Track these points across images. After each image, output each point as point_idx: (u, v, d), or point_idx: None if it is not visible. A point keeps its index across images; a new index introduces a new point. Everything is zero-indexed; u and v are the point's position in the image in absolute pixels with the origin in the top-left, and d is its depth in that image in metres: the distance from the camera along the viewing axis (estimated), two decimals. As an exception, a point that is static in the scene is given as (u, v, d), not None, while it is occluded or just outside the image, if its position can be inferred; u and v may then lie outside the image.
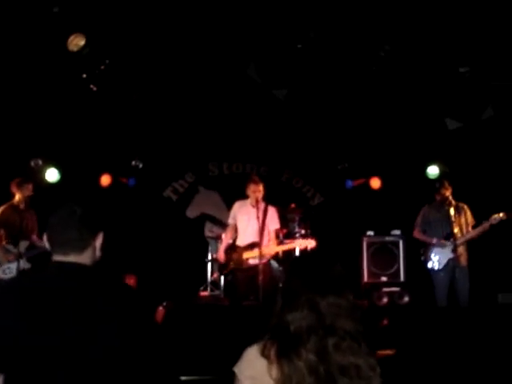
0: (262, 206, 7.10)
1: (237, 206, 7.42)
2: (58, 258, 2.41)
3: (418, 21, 6.94)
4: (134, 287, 6.67)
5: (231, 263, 7.17)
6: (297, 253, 8.66)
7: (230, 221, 7.48)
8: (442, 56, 7.51)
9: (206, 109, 9.58)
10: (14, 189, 7.50)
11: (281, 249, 7.84)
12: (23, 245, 7.30)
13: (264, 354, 2.26)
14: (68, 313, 2.22)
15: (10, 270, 7.10)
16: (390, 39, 7.37)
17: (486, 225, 7.23)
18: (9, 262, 7.14)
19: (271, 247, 7.26)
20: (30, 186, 7.55)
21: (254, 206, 7.07)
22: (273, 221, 7.24)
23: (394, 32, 7.21)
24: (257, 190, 7.07)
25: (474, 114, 8.01)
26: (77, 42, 6.78)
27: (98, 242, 2.47)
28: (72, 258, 2.39)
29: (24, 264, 7.23)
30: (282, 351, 2.24)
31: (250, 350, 2.33)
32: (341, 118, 9.51)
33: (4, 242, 7.23)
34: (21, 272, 7.10)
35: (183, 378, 5.76)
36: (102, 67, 6.99)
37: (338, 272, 2.41)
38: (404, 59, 7.62)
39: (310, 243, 7.23)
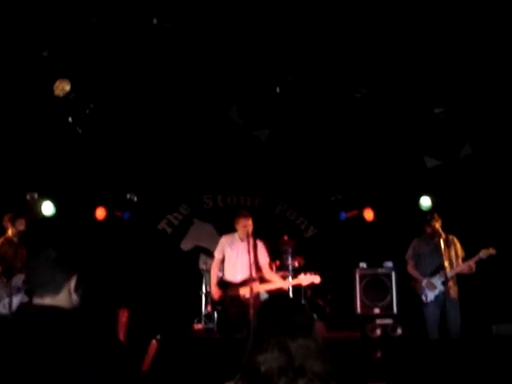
0: (250, 240, 7.08)
1: (224, 240, 7.42)
2: (35, 300, 2.49)
3: (392, 63, 7.10)
4: (109, 334, 6.65)
5: (226, 300, 7.11)
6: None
7: (217, 255, 7.43)
8: (417, 97, 7.67)
9: (199, 142, 9.68)
10: (6, 223, 7.57)
11: (287, 285, 7.84)
12: (18, 278, 7.30)
13: (235, 393, 2.32)
14: (38, 357, 2.29)
15: (9, 304, 7.09)
16: (366, 82, 7.53)
17: (474, 259, 7.26)
18: (7, 296, 7.14)
19: (277, 282, 7.26)
20: (23, 221, 7.62)
21: (242, 240, 7.08)
22: (263, 255, 7.26)
23: (370, 75, 7.36)
24: (247, 225, 7.07)
25: (451, 152, 8.11)
26: (62, 87, 6.91)
27: (72, 283, 2.52)
28: (48, 301, 2.47)
29: (23, 298, 7.24)
30: (253, 391, 2.29)
31: None
32: (333, 151, 9.63)
33: (0, 278, 7.25)
34: (20, 307, 7.12)
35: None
36: (87, 111, 7.08)
37: (307, 314, 2.47)
38: (380, 101, 7.79)
39: (316, 278, 7.22)
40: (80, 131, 7.46)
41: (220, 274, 7.54)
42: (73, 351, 2.31)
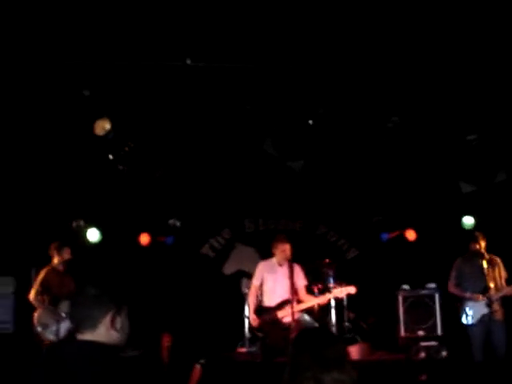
0: (287, 264, 7.14)
1: (261, 266, 7.47)
2: (77, 335, 2.63)
3: (423, 93, 7.15)
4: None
5: (265, 325, 7.14)
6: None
7: (255, 282, 7.47)
8: (450, 125, 7.69)
9: (239, 167, 9.83)
10: (52, 252, 7.77)
11: (321, 300, 7.81)
12: (65, 305, 7.44)
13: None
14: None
15: (57, 331, 7.28)
16: (398, 111, 7.58)
17: None
18: (56, 323, 7.32)
19: (311, 300, 7.27)
20: (69, 250, 7.81)
21: (280, 265, 7.12)
22: (300, 278, 7.29)
23: (402, 104, 7.42)
24: (286, 249, 7.12)
25: (486, 178, 8.05)
26: (103, 126, 7.15)
27: (108, 319, 2.61)
28: (88, 336, 2.58)
29: (68, 325, 7.37)
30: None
31: None
32: (373, 172, 9.64)
33: (47, 304, 7.44)
34: (70, 333, 7.30)
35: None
36: (127, 149, 7.31)
37: (342, 348, 2.52)
38: (412, 130, 7.85)
39: (351, 289, 7.19)
40: (121, 168, 7.67)
41: (256, 302, 7.55)
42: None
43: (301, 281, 7.28)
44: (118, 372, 2.48)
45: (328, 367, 2.41)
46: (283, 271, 7.01)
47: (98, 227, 9.37)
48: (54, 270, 7.70)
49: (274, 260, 7.29)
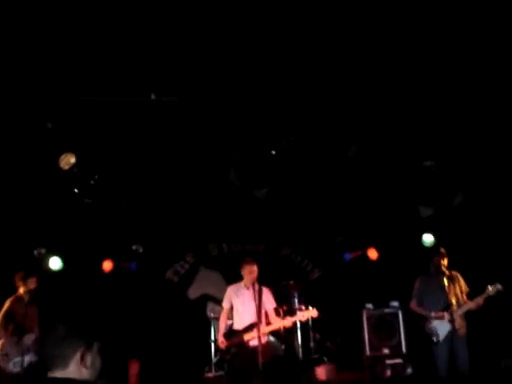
0: (256, 286, 7.17)
1: (230, 289, 7.48)
2: (48, 373, 2.62)
3: (380, 122, 7.38)
4: None
5: (233, 348, 7.16)
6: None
7: (224, 305, 7.47)
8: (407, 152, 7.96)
9: (201, 191, 9.85)
10: (18, 282, 7.61)
11: (286, 323, 7.86)
12: (29, 338, 7.34)
13: None
14: None
15: (20, 363, 7.13)
16: (356, 140, 7.82)
17: (482, 296, 7.30)
18: (18, 354, 7.16)
19: (277, 323, 7.31)
20: (35, 279, 7.67)
21: (248, 288, 7.15)
22: (269, 300, 7.32)
23: (360, 133, 7.66)
24: (252, 271, 7.16)
25: (444, 202, 8.29)
26: (68, 160, 7.14)
27: (78, 356, 2.61)
28: (58, 374, 2.59)
29: (31, 357, 7.25)
30: None
31: None
32: (334, 194, 9.79)
33: (10, 336, 7.26)
34: (28, 366, 7.17)
35: None
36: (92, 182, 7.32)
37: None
38: (371, 157, 8.10)
39: (313, 312, 7.24)
40: (88, 201, 7.66)
41: (226, 325, 7.58)
42: None
43: (270, 304, 7.30)
44: None
45: None
46: (250, 294, 7.04)
47: (60, 255, 9.27)
48: (19, 299, 7.55)
49: (241, 283, 7.32)
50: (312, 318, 7.29)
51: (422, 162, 7.97)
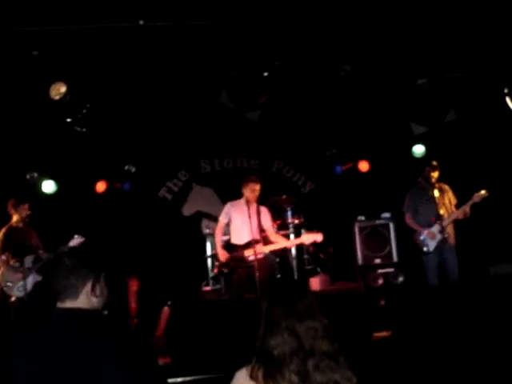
0: (254, 205, 7.28)
1: (229, 205, 7.58)
2: (58, 304, 2.70)
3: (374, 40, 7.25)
4: (132, 328, 6.88)
5: (232, 262, 7.34)
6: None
7: (222, 219, 7.58)
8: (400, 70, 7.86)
9: (192, 107, 9.75)
10: (10, 210, 7.64)
11: (289, 245, 8.05)
12: (28, 260, 7.45)
13: (252, 376, 2.56)
14: (68, 359, 2.50)
15: (23, 287, 7.28)
16: (349, 58, 7.70)
17: (469, 203, 7.47)
18: (20, 280, 7.30)
19: (281, 242, 7.47)
20: (27, 206, 7.68)
21: (248, 205, 7.24)
22: (267, 219, 7.46)
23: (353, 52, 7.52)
24: (255, 189, 7.24)
25: (437, 119, 8.25)
26: (58, 89, 6.98)
27: (88, 287, 2.70)
28: (68, 304, 2.67)
29: (35, 278, 7.43)
30: (268, 374, 2.53)
31: (240, 373, 2.63)
32: (325, 106, 9.71)
33: (12, 262, 7.39)
34: (35, 286, 7.36)
35: (191, 378, 6.06)
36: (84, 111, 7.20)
37: (312, 299, 2.68)
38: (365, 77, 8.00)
39: (318, 237, 7.38)
40: (79, 129, 7.57)
41: (224, 238, 7.72)
42: (97, 349, 2.50)
43: (267, 222, 7.45)
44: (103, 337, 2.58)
45: (300, 317, 2.58)
46: (250, 211, 7.13)
47: (53, 178, 9.29)
48: (12, 227, 7.60)
49: (242, 201, 7.39)
50: (315, 242, 7.43)
51: (413, 79, 7.89)
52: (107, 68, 7.30)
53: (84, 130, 7.59)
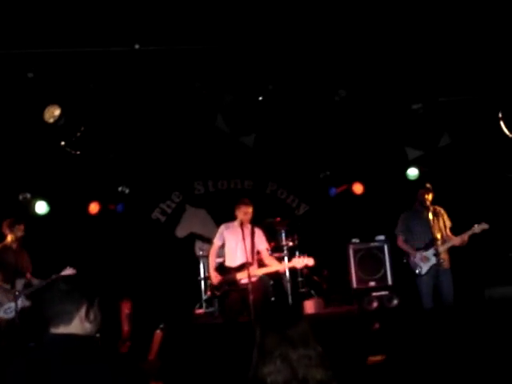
0: (248, 227, 7.28)
1: (223, 227, 7.56)
2: (51, 329, 2.67)
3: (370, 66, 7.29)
4: (122, 353, 6.82)
5: (225, 285, 7.29)
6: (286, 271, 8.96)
7: (216, 241, 7.57)
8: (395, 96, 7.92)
9: (186, 129, 9.74)
10: (5, 230, 7.56)
11: (281, 268, 8.01)
12: (20, 283, 7.36)
13: (246, 404, 2.51)
14: (63, 380, 2.47)
15: (10, 309, 7.17)
16: (345, 84, 7.75)
17: (468, 233, 7.42)
18: (9, 301, 7.21)
19: (273, 265, 7.43)
20: (22, 227, 7.61)
21: (242, 227, 7.22)
22: (261, 240, 7.43)
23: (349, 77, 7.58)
24: (248, 212, 7.24)
25: (431, 143, 8.30)
26: (52, 112, 6.98)
27: (83, 312, 2.67)
28: (62, 330, 2.64)
29: (23, 302, 7.31)
30: (261, 404, 2.48)
31: None
32: (319, 129, 9.73)
33: (1, 283, 7.31)
34: (21, 311, 7.23)
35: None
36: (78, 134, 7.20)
37: (306, 326, 2.63)
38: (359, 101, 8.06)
39: (309, 261, 7.34)
40: (74, 152, 7.56)
41: (218, 260, 7.68)
42: (91, 374, 2.48)
43: (262, 244, 7.42)
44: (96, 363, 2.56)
45: (294, 345, 2.53)
46: (245, 233, 7.11)
47: (46, 199, 9.23)
48: (6, 247, 7.53)
49: (236, 223, 7.37)
50: (307, 266, 7.40)
51: (407, 102, 7.94)
52: (101, 91, 7.31)
53: (78, 152, 7.54)
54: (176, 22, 6.26)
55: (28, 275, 7.58)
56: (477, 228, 7.36)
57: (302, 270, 9.52)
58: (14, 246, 7.58)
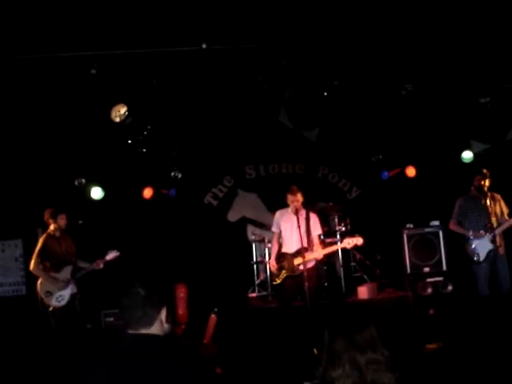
0: (303, 213, 7.30)
1: (278, 214, 7.60)
2: (130, 330, 2.76)
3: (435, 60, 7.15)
4: (197, 351, 6.94)
5: (283, 271, 7.34)
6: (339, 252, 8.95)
7: (274, 229, 7.64)
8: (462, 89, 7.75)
9: (237, 113, 9.76)
10: (48, 219, 7.68)
11: (330, 250, 8.00)
12: (67, 270, 7.54)
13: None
14: (141, 375, 2.58)
15: (62, 297, 7.38)
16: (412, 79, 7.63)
17: None
18: (59, 289, 7.41)
19: (319, 251, 7.42)
20: (64, 216, 7.71)
21: (295, 214, 7.25)
22: (316, 227, 7.43)
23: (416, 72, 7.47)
24: (295, 200, 7.24)
25: (498, 136, 8.12)
26: (118, 111, 7.09)
27: (163, 315, 2.77)
28: (143, 331, 2.73)
29: (73, 289, 7.52)
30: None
31: None
32: (371, 110, 9.60)
33: (49, 272, 7.47)
34: (72, 297, 7.48)
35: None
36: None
37: (374, 330, 2.63)
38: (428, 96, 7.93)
39: (358, 240, 7.34)
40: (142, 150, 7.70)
41: (279, 249, 7.67)
42: (168, 369, 2.58)
43: (316, 230, 7.43)
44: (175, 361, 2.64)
45: (361, 349, 2.54)
46: (300, 220, 7.13)
47: (101, 184, 9.41)
48: (50, 236, 7.65)
49: (289, 209, 7.42)
50: (356, 245, 7.38)
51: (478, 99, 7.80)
52: (165, 88, 7.41)
53: (144, 150, 7.69)
54: (240, 21, 6.27)
55: (74, 260, 7.72)
56: None
57: (354, 255, 9.50)
58: (58, 234, 7.69)
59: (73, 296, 7.52)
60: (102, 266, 7.62)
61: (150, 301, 2.74)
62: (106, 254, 7.66)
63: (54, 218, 7.66)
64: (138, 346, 2.69)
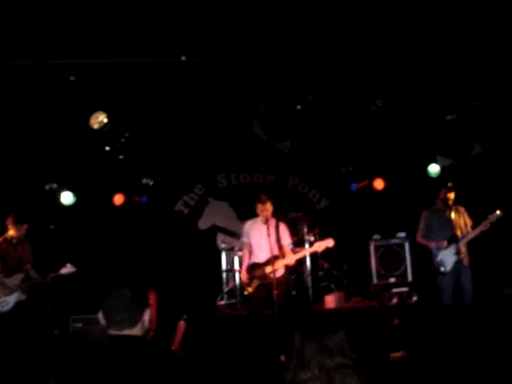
0: (272, 222, 7.36)
1: (248, 224, 7.66)
2: (112, 331, 2.83)
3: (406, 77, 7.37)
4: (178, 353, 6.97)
5: (255, 280, 7.38)
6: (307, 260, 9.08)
7: (244, 240, 7.69)
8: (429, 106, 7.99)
9: (209, 122, 9.84)
10: (9, 224, 7.61)
11: (302, 255, 8.07)
12: (17, 277, 7.46)
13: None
14: (119, 372, 2.65)
15: (6, 303, 7.29)
16: (382, 95, 7.84)
17: (485, 224, 7.52)
18: (5, 295, 7.31)
19: (291, 257, 7.49)
20: (25, 227, 7.68)
21: (265, 223, 7.33)
22: (285, 236, 7.50)
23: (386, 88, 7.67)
24: (264, 209, 7.30)
25: (462, 152, 8.39)
26: (97, 118, 7.13)
27: (146, 316, 2.87)
28: (125, 332, 2.81)
29: (20, 296, 7.43)
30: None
31: None
32: (341, 123, 9.78)
33: (0, 276, 7.38)
34: (18, 304, 7.37)
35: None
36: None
37: (344, 335, 2.76)
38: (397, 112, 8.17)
39: (329, 242, 7.39)
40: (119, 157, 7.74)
41: (250, 260, 7.75)
42: (149, 372, 2.66)
43: (286, 239, 7.48)
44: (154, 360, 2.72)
45: (332, 354, 2.66)
46: (269, 229, 7.20)
47: (71, 190, 9.38)
48: (7, 241, 7.60)
49: (258, 219, 7.47)
50: (328, 248, 7.46)
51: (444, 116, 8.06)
52: (142, 96, 7.48)
53: (121, 157, 7.74)
54: (217, 33, 6.38)
55: (28, 267, 7.64)
56: (492, 217, 7.44)
57: (322, 264, 9.63)
58: (15, 240, 7.64)
59: (19, 304, 7.41)
60: (49, 279, 7.53)
61: (136, 302, 2.83)
62: (61, 267, 7.58)
63: (15, 225, 7.60)
64: (119, 346, 2.75)
